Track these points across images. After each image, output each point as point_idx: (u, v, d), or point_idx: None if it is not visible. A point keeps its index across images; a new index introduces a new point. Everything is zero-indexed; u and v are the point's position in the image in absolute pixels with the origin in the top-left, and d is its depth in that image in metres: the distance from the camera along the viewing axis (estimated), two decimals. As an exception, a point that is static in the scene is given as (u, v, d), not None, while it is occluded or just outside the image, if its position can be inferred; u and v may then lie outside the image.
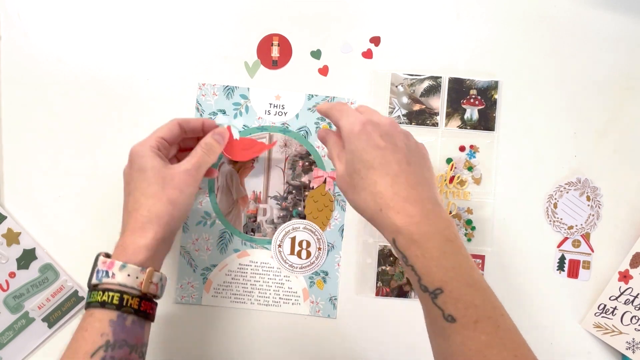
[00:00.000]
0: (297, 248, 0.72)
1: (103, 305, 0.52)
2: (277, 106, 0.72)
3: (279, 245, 0.72)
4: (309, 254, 0.72)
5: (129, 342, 0.53)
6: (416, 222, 0.50)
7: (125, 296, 0.53)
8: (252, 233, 0.72)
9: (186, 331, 0.71)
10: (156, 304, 0.57)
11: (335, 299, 0.72)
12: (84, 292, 0.70)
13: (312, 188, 0.72)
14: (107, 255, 0.56)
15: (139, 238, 0.55)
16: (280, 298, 0.72)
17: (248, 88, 0.72)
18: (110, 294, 0.53)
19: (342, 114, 0.57)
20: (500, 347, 0.47)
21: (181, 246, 0.71)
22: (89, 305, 0.53)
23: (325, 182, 0.72)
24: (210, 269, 0.72)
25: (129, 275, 0.53)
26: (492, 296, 0.50)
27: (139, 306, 0.54)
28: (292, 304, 0.72)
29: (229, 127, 0.70)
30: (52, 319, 0.70)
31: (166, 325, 0.71)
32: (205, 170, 0.63)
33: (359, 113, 0.57)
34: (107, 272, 0.54)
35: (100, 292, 0.53)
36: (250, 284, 0.72)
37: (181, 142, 0.67)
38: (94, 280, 0.54)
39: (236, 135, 0.71)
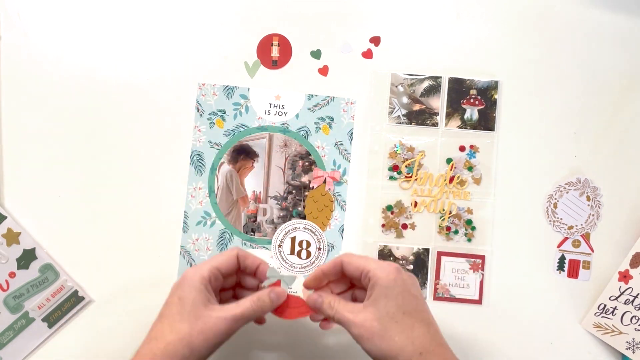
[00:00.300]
0: (297, 248, 0.72)
1: None
2: (277, 106, 0.72)
3: (279, 245, 0.72)
4: (309, 254, 0.72)
5: None
6: None
7: None
8: (252, 233, 0.72)
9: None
10: None
11: None
12: (83, 292, 0.70)
13: (312, 188, 0.72)
14: None
15: None
16: (280, 298, 0.72)
17: (248, 88, 0.72)
18: None
19: (369, 261, 0.57)
20: None
21: (181, 246, 0.71)
22: None
23: (325, 182, 0.72)
24: (210, 269, 0.72)
25: None
26: None
27: None
28: None
29: (279, 282, 0.62)
30: (52, 319, 0.70)
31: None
32: (246, 323, 0.59)
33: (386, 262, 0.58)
34: None
35: None
36: (250, 284, 0.72)
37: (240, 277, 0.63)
38: None
39: (285, 289, 0.62)
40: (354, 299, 0.61)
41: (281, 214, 0.72)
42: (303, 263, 0.72)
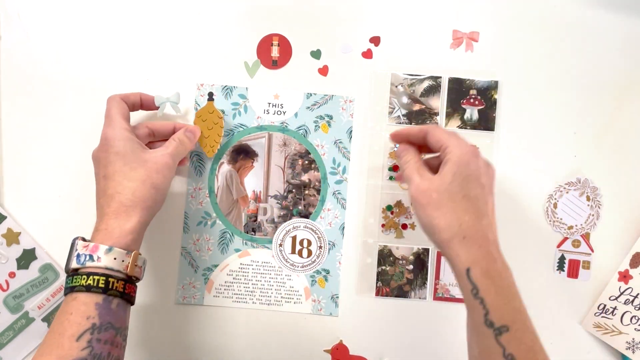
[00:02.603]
0: (297, 247, 0.72)
1: (88, 289, 0.52)
2: (275, 105, 0.72)
3: (280, 245, 0.72)
4: (309, 253, 0.72)
5: (115, 325, 0.53)
6: (494, 260, 0.53)
7: (111, 279, 0.53)
8: (253, 232, 0.72)
9: (188, 332, 0.71)
10: (136, 286, 0.58)
11: (337, 297, 0.72)
12: (84, 292, 0.70)
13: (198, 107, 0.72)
14: (84, 240, 0.56)
15: (124, 222, 0.56)
16: (282, 297, 0.72)
17: (246, 88, 0.72)
18: (96, 277, 0.53)
19: (452, 137, 0.59)
20: None
21: (182, 247, 0.71)
22: (72, 290, 0.53)
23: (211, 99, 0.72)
24: (211, 269, 0.72)
25: (115, 258, 0.54)
26: (544, 348, 0.53)
27: (124, 289, 0.55)
28: (294, 302, 0.72)
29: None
30: (52, 318, 0.70)
31: (168, 326, 0.71)
32: (179, 160, 0.64)
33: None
34: (91, 256, 0.54)
35: (85, 276, 0.53)
36: (252, 284, 0.72)
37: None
38: (74, 264, 0.54)
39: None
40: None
41: (282, 213, 0.72)
42: (304, 262, 0.72)
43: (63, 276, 0.70)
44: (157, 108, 0.68)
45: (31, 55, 0.71)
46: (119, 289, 0.54)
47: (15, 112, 0.71)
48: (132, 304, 0.57)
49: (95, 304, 0.52)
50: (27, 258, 0.70)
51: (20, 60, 0.71)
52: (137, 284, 0.58)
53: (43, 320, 0.70)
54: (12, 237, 0.70)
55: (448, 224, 0.54)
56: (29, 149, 0.71)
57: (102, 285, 0.53)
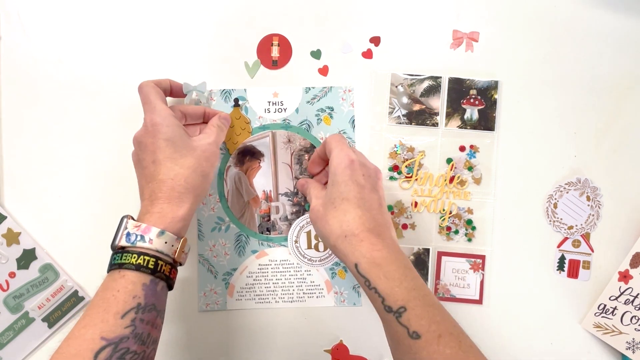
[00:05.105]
0: (313, 241, 0.72)
1: (138, 268, 0.53)
2: (276, 103, 0.72)
3: (296, 241, 0.72)
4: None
5: (157, 307, 0.54)
6: (378, 250, 0.55)
7: (160, 262, 0.54)
8: (268, 232, 0.72)
9: (215, 338, 0.71)
10: (177, 271, 0.59)
11: (359, 286, 0.71)
12: (84, 292, 0.70)
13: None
14: (133, 219, 0.57)
15: (177, 208, 0.57)
16: (304, 293, 0.72)
17: (245, 89, 0.72)
18: (147, 258, 0.54)
19: (337, 145, 0.61)
20: None
21: (199, 254, 0.71)
22: (121, 267, 0.54)
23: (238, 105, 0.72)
24: (231, 273, 0.72)
25: (166, 242, 0.55)
26: (450, 316, 0.54)
27: (170, 273, 0.56)
28: (317, 297, 0.72)
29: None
30: (52, 319, 0.70)
31: (193, 334, 0.71)
32: (219, 147, 0.65)
33: (352, 151, 0.61)
34: (142, 237, 0.55)
35: (135, 255, 0.54)
36: (273, 283, 0.72)
37: None
38: (124, 242, 0.55)
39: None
40: None
41: (294, 210, 0.72)
42: (321, 255, 0.71)
43: (63, 276, 0.70)
44: (184, 95, 0.69)
45: (31, 55, 0.71)
46: (166, 272, 0.55)
47: (15, 111, 0.71)
48: (172, 289, 0.58)
49: (142, 284, 0.53)
50: (27, 258, 0.70)
51: (20, 60, 0.71)
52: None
53: (43, 320, 0.70)
54: (12, 237, 0.69)
55: (331, 229, 0.58)
56: (29, 149, 0.71)
57: (152, 267, 0.54)
